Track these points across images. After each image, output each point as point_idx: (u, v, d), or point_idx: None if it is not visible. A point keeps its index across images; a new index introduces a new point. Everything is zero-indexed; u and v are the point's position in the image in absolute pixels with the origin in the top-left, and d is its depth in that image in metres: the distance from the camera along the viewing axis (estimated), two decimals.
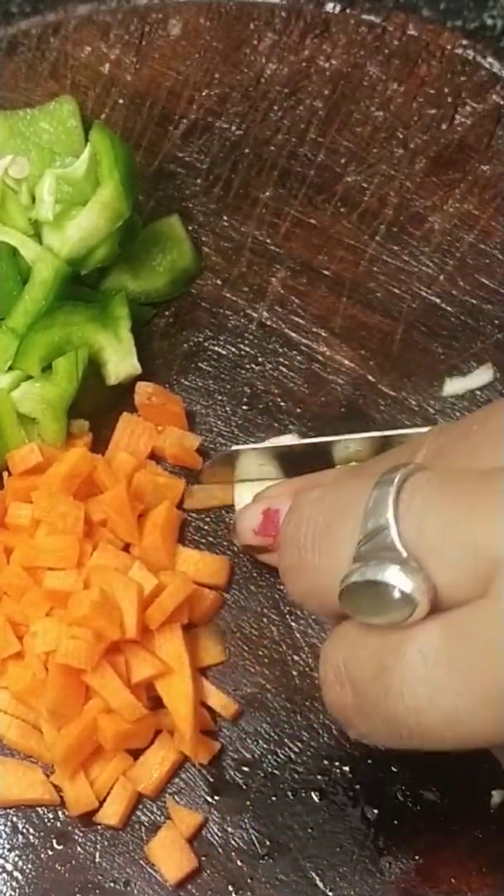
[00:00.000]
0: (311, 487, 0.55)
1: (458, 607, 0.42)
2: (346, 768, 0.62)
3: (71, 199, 0.69)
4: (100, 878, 0.61)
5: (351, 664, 0.46)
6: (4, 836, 0.62)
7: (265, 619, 0.65)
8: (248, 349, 0.71)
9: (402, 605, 0.43)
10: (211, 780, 0.62)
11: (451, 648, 0.42)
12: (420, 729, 0.43)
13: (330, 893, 0.60)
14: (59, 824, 0.62)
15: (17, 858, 0.62)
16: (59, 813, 0.62)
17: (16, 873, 0.61)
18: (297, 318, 0.71)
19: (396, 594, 0.42)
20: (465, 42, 0.75)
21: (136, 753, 0.62)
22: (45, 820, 0.62)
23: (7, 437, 0.66)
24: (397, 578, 0.42)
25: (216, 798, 0.62)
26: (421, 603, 0.42)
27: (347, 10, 0.76)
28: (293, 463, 0.65)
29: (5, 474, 0.66)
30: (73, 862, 0.61)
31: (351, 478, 0.51)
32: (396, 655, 0.43)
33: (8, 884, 0.61)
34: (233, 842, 0.61)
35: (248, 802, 0.62)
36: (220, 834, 0.61)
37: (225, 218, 0.74)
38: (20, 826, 0.62)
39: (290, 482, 0.60)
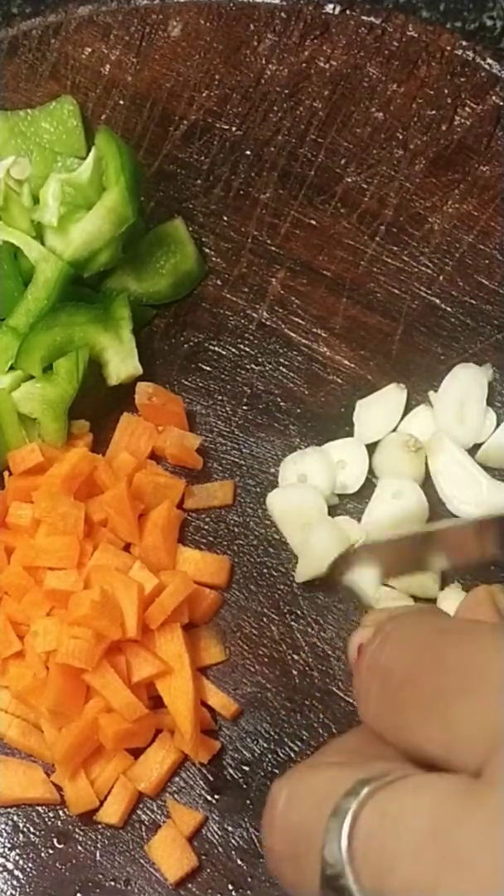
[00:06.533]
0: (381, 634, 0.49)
1: None
2: None
3: (74, 201, 0.69)
4: (100, 876, 0.61)
5: None
6: (5, 834, 0.62)
7: (265, 619, 0.65)
8: (248, 349, 0.71)
9: None
10: (211, 779, 0.62)
11: None
12: None
13: None
14: (59, 823, 0.62)
15: (17, 857, 0.62)
16: (60, 812, 0.62)
17: (16, 872, 0.62)
18: (297, 319, 0.71)
19: None
20: (464, 43, 0.75)
21: (136, 753, 0.62)
22: (46, 819, 0.62)
23: (8, 437, 0.66)
24: None
25: (216, 797, 0.62)
26: None
27: (347, 11, 0.76)
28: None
29: (6, 474, 0.66)
30: (74, 861, 0.61)
31: (323, 768, 0.45)
32: None
33: (9, 882, 0.61)
34: (233, 840, 0.61)
35: (248, 801, 0.62)
36: (220, 833, 0.62)
37: (225, 218, 0.74)
38: (21, 825, 0.62)
39: (381, 612, 0.54)
